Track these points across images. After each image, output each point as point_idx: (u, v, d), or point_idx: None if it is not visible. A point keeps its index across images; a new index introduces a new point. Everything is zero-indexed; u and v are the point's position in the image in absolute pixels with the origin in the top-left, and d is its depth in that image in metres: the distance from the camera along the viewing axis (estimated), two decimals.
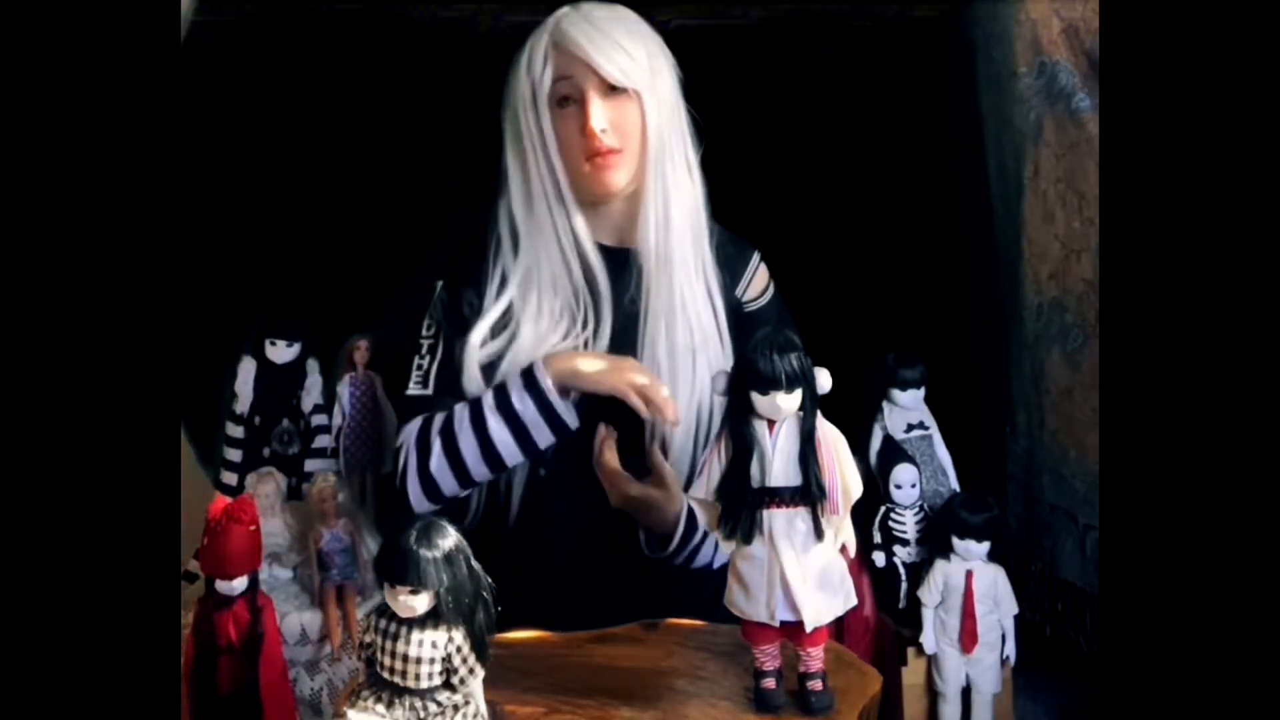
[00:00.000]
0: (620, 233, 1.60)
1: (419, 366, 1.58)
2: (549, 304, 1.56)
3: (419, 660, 1.09)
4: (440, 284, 1.61)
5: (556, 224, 1.56)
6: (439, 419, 1.51)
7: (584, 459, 1.53)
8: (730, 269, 1.62)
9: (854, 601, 1.23)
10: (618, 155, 1.52)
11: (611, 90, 1.51)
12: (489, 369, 1.53)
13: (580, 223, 1.56)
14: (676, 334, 1.55)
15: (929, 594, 1.44)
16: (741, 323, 1.61)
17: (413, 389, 1.57)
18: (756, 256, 1.66)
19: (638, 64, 1.52)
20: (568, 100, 1.52)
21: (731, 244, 1.63)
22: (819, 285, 2.12)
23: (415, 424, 1.52)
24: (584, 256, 1.56)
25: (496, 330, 1.55)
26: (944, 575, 1.43)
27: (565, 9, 1.55)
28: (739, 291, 1.63)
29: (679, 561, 1.55)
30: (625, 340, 1.56)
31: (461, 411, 1.50)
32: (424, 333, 1.59)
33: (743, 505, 1.18)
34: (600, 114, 1.51)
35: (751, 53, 2.35)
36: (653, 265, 1.55)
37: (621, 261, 1.58)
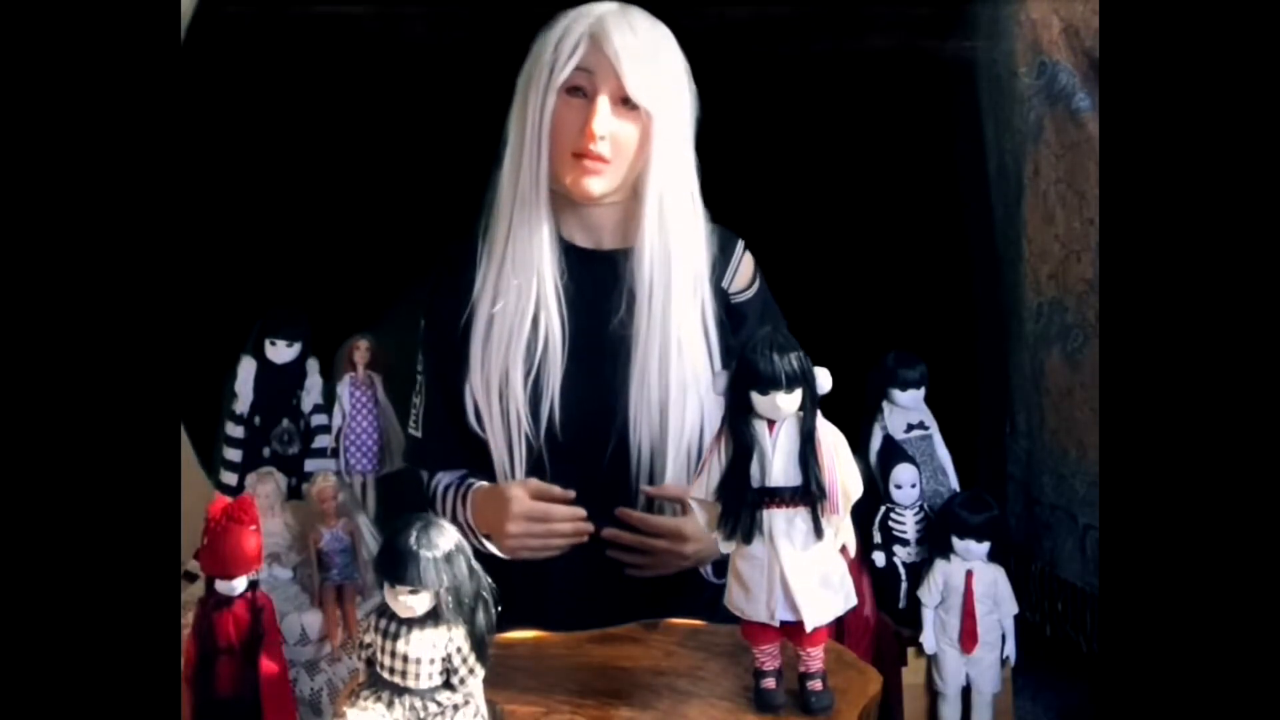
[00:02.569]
0: (598, 235, 1.58)
1: (415, 405, 1.63)
2: (512, 313, 1.54)
3: (419, 660, 1.09)
4: (423, 323, 1.62)
5: (532, 217, 1.53)
6: (434, 496, 1.62)
7: (583, 459, 1.53)
8: (716, 260, 1.59)
9: (854, 601, 1.23)
10: (605, 165, 1.50)
11: (624, 102, 1.50)
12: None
13: (548, 217, 1.54)
14: (670, 371, 1.53)
15: (929, 594, 1.44)
16: (729, 313, 1.59)
17: (411, 427, 1.63)
18: (741, 245, 1.62)
19: (660, 87, 1.50)
20: (579, 91, 1.50)
21: (715, 234, 1.60)
22: (819, 285, 2.12)
23: (436, 480, 1.63)
24: (558, 256, 1.55)
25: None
26: (944, 575, 1.43)
27: (613, 5, 1.53)
28: (725, 283, 1.60)
29: None
30: (613, 368, 1.54)
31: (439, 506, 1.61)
32: (418, 368, 1.63)
33: (743, 505, 1.18)
34: (605, 118, 1.49)
35: (750, 51, 2.35)
36: (647, 287, 1.53)
37: (603, 269, 1.56)
